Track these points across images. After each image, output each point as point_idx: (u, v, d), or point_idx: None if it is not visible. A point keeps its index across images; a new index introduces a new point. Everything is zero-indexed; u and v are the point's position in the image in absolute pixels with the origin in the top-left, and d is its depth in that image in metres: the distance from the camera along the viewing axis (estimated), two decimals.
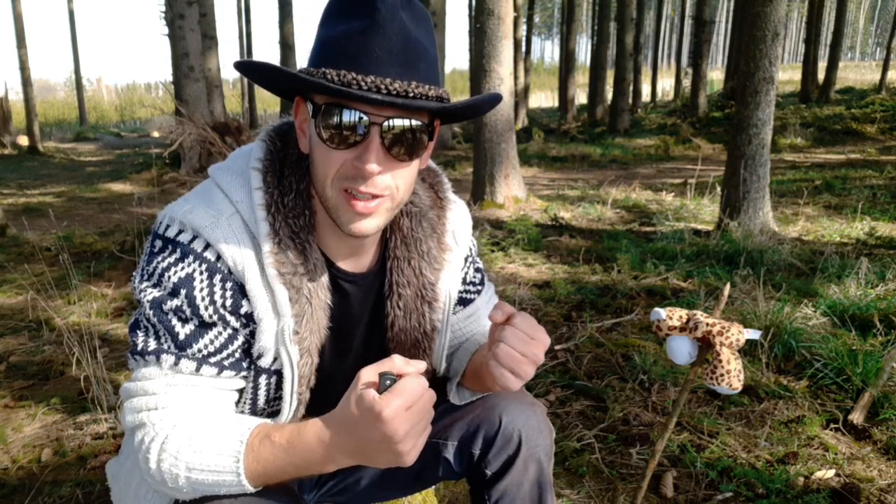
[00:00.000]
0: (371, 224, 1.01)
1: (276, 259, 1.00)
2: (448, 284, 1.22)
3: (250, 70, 0.99)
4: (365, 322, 1.20)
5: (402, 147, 0.96)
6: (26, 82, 16.37)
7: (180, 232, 0.99)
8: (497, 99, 1.05)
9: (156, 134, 22.20)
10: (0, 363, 3.11)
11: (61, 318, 3.51)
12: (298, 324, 1.04)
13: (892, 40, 19.73)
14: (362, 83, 0.90)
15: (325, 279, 1.08)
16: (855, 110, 15.16)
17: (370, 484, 1.35)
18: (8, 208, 7.64)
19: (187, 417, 0.98)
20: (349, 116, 0.93)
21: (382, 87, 0.90)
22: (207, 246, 0.99)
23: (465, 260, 1.29)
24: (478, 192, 6.78)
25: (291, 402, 1.09)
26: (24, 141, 16.51)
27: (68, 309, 3.80)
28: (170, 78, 10.53)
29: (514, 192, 6.78)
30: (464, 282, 1.30)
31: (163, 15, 10.55)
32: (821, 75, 20.08)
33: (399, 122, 0.94)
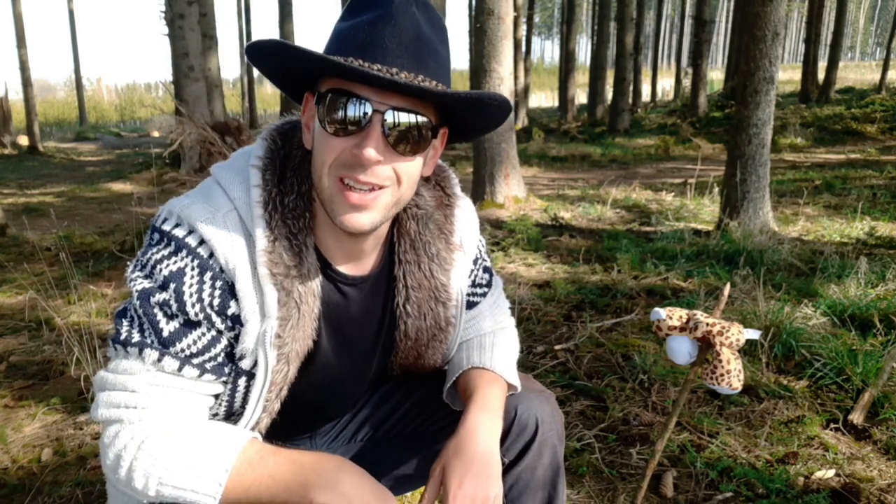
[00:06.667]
0: (365, 219, 0.98)
1: (270, 259, 0.99)
2: (459, 283, 1.22)
3: (263, 55, 0.98)
4: (374, 323, 1.20)
5: (404, 141, 0.95)
6: (26, 82, 16.38)
7: (177, 226, 0.99)
8: (506, 105, 1.01)
9: (156, 134, 22.18)
10: (0, 363, 3.11)
11: (61, 318, 3.50)
12: (283, 328, 1.02)
13: (892, 40, 19.74)
14: (368, 70, 0.89)
15: (317, 285, 1.06)
16: (855, 110, 15.15)
17: (392, 478, 1.36)
18: (8, 208, 7.64)
19: (170, 421, 0.97)
20: (352, 102, 0.93)
21: (388, 75, 0.90)
22: (202, 242, 0.98)
23: (475, 262, 1.28)
24: (478, 191, 6.77)
25: (256, 407, 1.07)
26: (24, 141, 16.52)
27: (68, 309, 3.80)
28: (170, 78, 10.52)
29: (514, 191, 6.78)
30: (472, 283, 1.30)
31: (163, 15, 10.53)
32: (821, 75, 20.08)
33: (404, 116, 0.94)
